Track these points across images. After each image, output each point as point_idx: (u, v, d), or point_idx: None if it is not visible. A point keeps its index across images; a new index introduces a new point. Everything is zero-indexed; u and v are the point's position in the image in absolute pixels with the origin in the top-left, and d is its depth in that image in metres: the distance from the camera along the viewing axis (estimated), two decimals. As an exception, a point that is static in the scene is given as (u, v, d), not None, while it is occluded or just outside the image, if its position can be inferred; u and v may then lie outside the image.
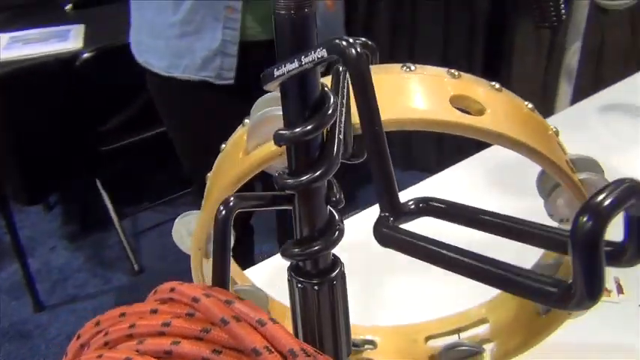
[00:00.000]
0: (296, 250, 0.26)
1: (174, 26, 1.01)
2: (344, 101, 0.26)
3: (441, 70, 0.34)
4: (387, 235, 0.20)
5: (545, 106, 1.37)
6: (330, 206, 0.26)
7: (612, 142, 0.84)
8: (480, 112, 0.32)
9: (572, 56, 1.35)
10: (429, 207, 0.21)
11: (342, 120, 0.25)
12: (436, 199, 0.22)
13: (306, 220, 0.26)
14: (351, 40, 0.20)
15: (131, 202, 2.24)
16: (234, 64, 1.03)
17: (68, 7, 2.12)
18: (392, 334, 0.50)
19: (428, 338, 0.49)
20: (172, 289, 0.23)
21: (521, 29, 1.79)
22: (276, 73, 0.22)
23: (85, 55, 1.64)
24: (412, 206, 0.22)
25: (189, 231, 0.38)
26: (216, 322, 0.21)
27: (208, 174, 0.40)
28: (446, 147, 1.92)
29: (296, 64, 0.21)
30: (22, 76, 1.58)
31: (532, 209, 0.37)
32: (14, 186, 1.72)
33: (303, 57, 0.20)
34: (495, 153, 0.81)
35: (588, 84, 1.46)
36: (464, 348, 0.46)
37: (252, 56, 1.04)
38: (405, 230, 0.20)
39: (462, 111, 0.32)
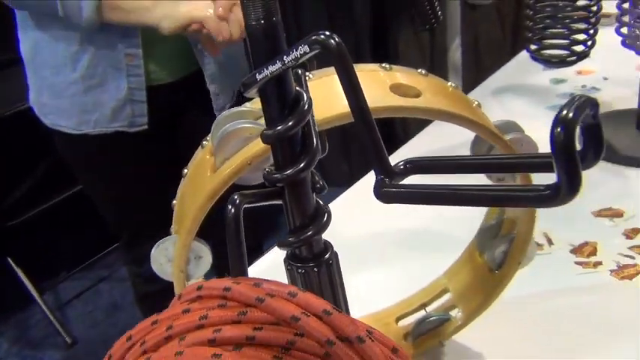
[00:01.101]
0: (291, 238, 0.29)
1: (77, 83, 1.00)
2: (309, 97, 0.29)
3: (375, 66, 0.38)
4: (388, 192, 0.24)
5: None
6: (315, 193, 0.29)
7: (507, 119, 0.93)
8: (417, 95, 0.37)
9: (455, 52, 1.47)
10: (416, 165, 0.25)
11: (314, 131, 0.28)
12: (420, 157, 0.25)
13: (297, 210, 0.29)
14: (328, 33, 0.23)
15: (46, 274, 2.13)
16: (145, 110, 1.03)
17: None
18: (365, 322, 0.53)
19: (398, 319, 0.53)
20: (199, 288, 0.24)
21: (402, 36, 1.91)
22: (259, 76, 0.25)
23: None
24: (402, 167, 0.25)
25: (169, 257, 0.39)
26: (251, 302, 0.23)
27: (174, 201, 0.41)
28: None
29: (278, 64, 0.24)
30: None
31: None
32: None
33: (284, 57, 0.23)
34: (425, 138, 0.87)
35: (472, 75, 1.58)
36: (432, 319, 0.50)
37: (161, 99, 1.05)
38: (402, 185, 0.24)
39: (403, 96, 0.36)
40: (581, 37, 0.79)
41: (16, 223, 1.76)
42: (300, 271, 0.29)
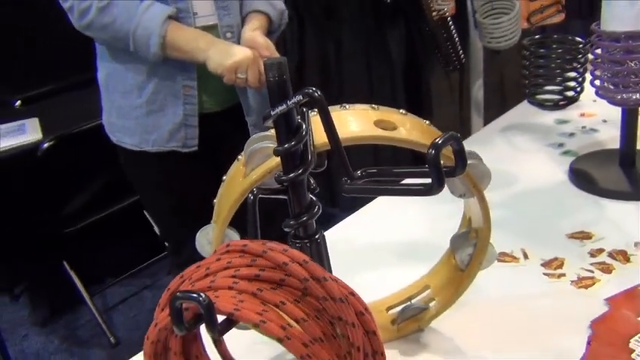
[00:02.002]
0: (292, 222, 0.43)
1: (141, 107, 1.17)
2: (310, 129, 0.43)
3: (366, 106, 0.52)
4: (349, 188, 0.37)
5: (464, 136, 1.60)
6: (310, 192, 0.43)
7: (511, 153, 1.05)
8: (394, 128, 0.50)
9: (477, 92, 1.59)
10: (367, 174, 0.38)
11: (311, 140, 0.42)
12: (371, 168, 0.39)
13: (296, 202, 0.42)
14: (314, 89, 0.37)
15: (96, 279, 2.31)
16: (196, 134, 1.19)
17: (17, 103, 2.25)
18: (361, 310, 0.65)
19: (388, 308, 0.65)
20: (228, 245, 0.38)
21: (434, 74, 2.04)
22: (272, 112, 0.38)
23: (46, 145, 1.76)
24: (359, 173, 0.38)
25: (209, 240, 0.53)
26: (259, 254, 0.36)
27: (214, 200, 0.55)
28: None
29: (284, 105, 0.37)
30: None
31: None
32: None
33: (288, 101, 0.37)
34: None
35: (495, 113, 1.70)
36: (414, 307, 0.63)
37: (211, 125, 1.21)
38: (357, 184, 0.37)
39: (383, 129, 0.50)
40: (572, 84, 0.90)
41: (73, 230, 1.94)
42: (298, 245, 0.43)
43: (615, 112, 1.11)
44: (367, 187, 0.37)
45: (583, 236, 0.77)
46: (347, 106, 0.51)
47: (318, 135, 0.44)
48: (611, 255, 0.72)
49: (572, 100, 0.89)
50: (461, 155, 0.36)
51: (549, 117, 1.17)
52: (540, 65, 0.87)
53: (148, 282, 2.34)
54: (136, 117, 1.18)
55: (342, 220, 0.90)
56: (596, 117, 1.14)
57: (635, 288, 0.66)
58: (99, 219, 1.99)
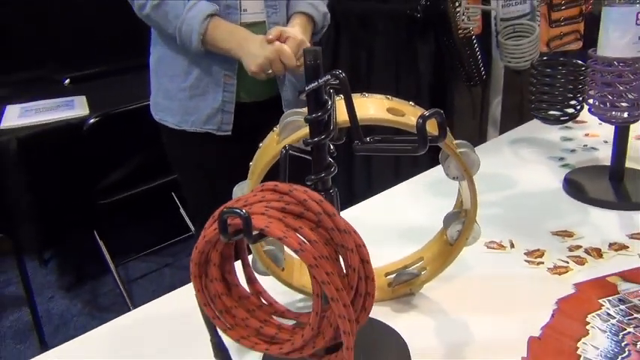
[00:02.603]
0: (313, 177, 0.54)
1: (185, 91, 1.30)
2: (334, 105, 0.54)
3: (382, 96, 0.63)
4: (360, 148, 0.48)
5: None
6: (329, 156, 0.54)
7: (515, 161, 1.15)
8: (403, 115, 0.61)
9: (496, 108, 1.69)
10: (374, 140, 0.49)
11: (334, 114, 0.54)
12: (377, 136, 0.50)
13: (318, 162, 0.54)
14: (340, 71, 0.48)
15: (121, 252, 2.45)
16: (231, 120, 1.32)
17: (67, 82, 2.41)
18: (363, 273, 0.77)
19: (387, 274, 0.76)
20: (262, 184, 0.49)
21: (458, 89, 2.15)
22: (307, 88, 0.50)
23: (91, 121, 1.90)
24: (368, 139, 0.49)
25: (243, 193, 0.64)
26: (286, 192, 0.47)
27: (250, 162, 0.67)
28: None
29: (316, 83, 0.49)
30: (40, 139, 1.84)
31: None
32: (27, 237, 1.92)
33: (319, 79, 0.49)
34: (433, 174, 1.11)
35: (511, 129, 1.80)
36: (408, 273, 0.74)
37: (248, 115, 1.34)
38: (366, 146, 0.48)
39: (393, 115, 0.61)
40: (572, 102, 1.01)
41: (106, 203, 2.07)
42: (322, 194, 0.54)
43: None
44: (372, 147, 0.48)
45: (565, 234, 0.87)
46: (366, 95, 0.63)
47: (341, 115, 0.56)
48: (586, 251, 0.82)
49: (572, 117, 0.99)
50: (442, 126, 0.47)
51: (556, 134, 1.27)
52: (545, 84, 0.98)
53: (169, 260, 2.47)
54: (180, 99, 1.31)
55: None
56: (598, 138, 1.24)
57: (602, 278, 0.76)
58: (130, 195, 2.12)
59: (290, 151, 0.53)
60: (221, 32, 1.21)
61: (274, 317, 0.54)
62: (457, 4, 1.34)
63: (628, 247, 0.82)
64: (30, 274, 2.42)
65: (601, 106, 0.86)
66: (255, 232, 0.45)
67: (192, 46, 1.22)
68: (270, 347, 0.51)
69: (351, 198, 1.08)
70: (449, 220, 0.72)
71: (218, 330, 0.54)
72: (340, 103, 0.57)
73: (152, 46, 1.35)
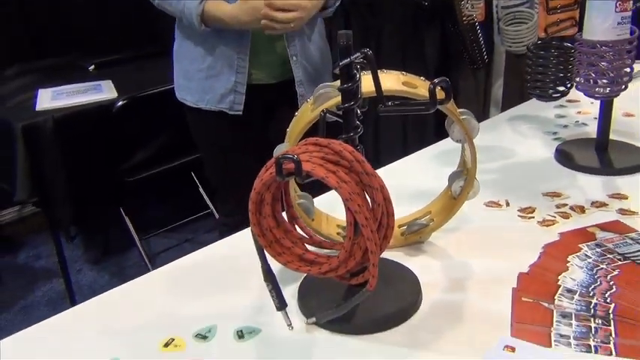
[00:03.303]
0: (344, 136, 0.67)
1: (202, 72, 1.44)
2: (360, 79, 0.67)
3: (398, 72, 0.77)
4: (383, 110, 0.62)
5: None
6: (356, 119, 0.68)
7: (512, 136, 1.28)
8: (415, 87, 0.75)
9: (498, 90, 1.82)
10: (394, 104, 0.62)
11: (360, 86, 0.67)
12: (397, 100, 0.63)
13: (348, 124, 0.67)
14: (368, 49, 0.62)
15: (142, 228, 2.59)
16: (242, 100, 1.45)
17: (91, 67, 2.55)
18: (380, 224, 0.90)
19: (400, 226, 0.90)
20: (305, 140, 0.63)
21: (463, 73, 2.27)
22: (340, 63, 0.63)
23: (120, 103, 2.04)
24: (389, 103, 0.63)
25: (282, 153, 0.78)
26: (325, 145, 0.61)
27: (287, 129, 0.80)
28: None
29: (348, 59, 0.62)
30: (74, 119, 1.98)
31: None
32: (60, 213, 2.06)
33: (350, 56, 0.62)
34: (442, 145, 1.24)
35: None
36: (418, 223, 0.87)
37: (261, 96, 1.47)
38: (387, 108, 0.62)
39: (407, 87, 0.74)
40: (564, 80, 1.13)
41: (132, 181, 2.22)
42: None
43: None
44: (393, 109, 0.61)
45: (554, 195, 1.00)
46: (385, 71, 0.76)
47: (365, 87, 0.69)
48: (571, 208, 0.96)
49: (564, 94, 1.12)
50: (447, 90, 0.60)
51: (551, 112, 1.40)
52: (540, 64, 1.10)
53: (188, 236, 2.62)
54: (198, 79, 1.45)
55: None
56: (589, 115, 1.37)
57: (583, 228, 0.89)
58: (154, 174, 2.26)
59: (331, 115, 0.67)
60: (216, 9, 1.34)
61: (315, 248, 0.68)
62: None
63: (607, 205, 0.96)
64: (60, 249, 2.58)
65: (586, 83, 0.98)
66: (304, 174, 0.58)
67: (196, 27, 1.36)
68: (312, 268, 0.65)
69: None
70: (453, 177, 0.85)
71: (267, 257, 0.67)
72: (364, 77, 0.70)
73: (175, 32, 1.49)
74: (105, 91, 2.14)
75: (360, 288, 0.66)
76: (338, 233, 0.87)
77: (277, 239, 0.66)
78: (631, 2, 0.92)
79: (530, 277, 0.78)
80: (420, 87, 0.75)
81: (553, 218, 0.93)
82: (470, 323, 0.71)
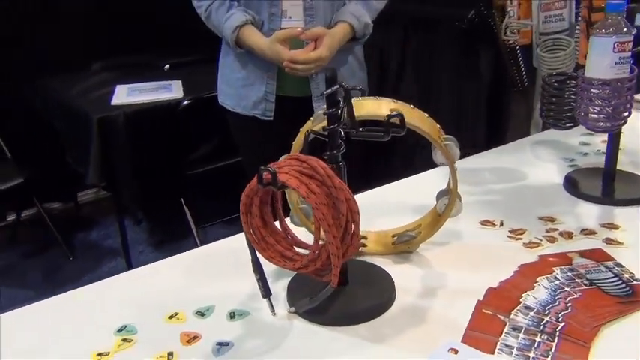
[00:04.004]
0: (328, 153, 0.78)
1: (239, 80, 1.61)
2: (344, 104, 0.78)
3: (390, 100, 0.86)
4: (354, 135, 0.73)
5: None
6: (339, 139, 0.78)
7: (529, 159, 1.34)
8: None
9: (538, 113, 1.85)
10: (366, 128, 0.73)
11: (345, 110, 0.78)
12: (369, 127, 0.73)
13: (332, 142, 0.78)
14: (345, 82, 0.72)
15: (199, 218, 2.77)
16: (272, 108, 1.61)
17: (166, 67, 2.76)
18: (375, 234, 1.00)
19: (394, 235, 0.99)
20: (289, 156, 0.74)
21: (515, 96, 2.31)
22: (324, 93, 0.74)
23: (185, 102, 2.23)
24: (361, 129, 0.73)
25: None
26: (304, 160, 0.72)
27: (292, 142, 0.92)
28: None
29: (330, 90, 0.73)
30: (143, 115, 2.18)
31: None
32: (127, 198, 2.28)
33: (332, 88, 0.73)
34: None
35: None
36: (407, 234, 0.97)
37: (285, 105, 1.61)
38: (359, 133, 0.73)
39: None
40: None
41: (193, 174, 2.40)
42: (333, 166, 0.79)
43: (629, 143, 1.36)
44: (360, 134, 0.72)
45: (548, 219, 1.06)
46: (378, 98, 0.86)
47: (358, 109, 0.80)
48: (560, 233, 1.02)
49: (576, 123, 1.17)
50: (402, 122, 0.70)
51: (576, 140, 1.44)
52: (553, 95, 1.16)
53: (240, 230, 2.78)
54: (235, 87, 1.62)
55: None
56: (614, 145, 1.40)
57: (562, 253, 0.95)
58: (212, 169, 2.44)
59: (315, 135, 0.78)
60: (246, 42, 1.54)
61: (294, 247, 0.80)
62: (502, 19, 1.53)
63: (596, 233, 1.01)
64: (126, 232, 2.82)
65: (585, 116, 1.04)
66: (279, 184, 0.70)
67: (233, 48, 1.52)
68: (287, 263, 0.77)
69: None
70: (439, 195, 0.94)
71: (256, 252, 0.80)
72: (356, 102, 0.81)
73: (222, 45, 1.67)
74: (173, 91, 2.34)
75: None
76: (334, 237, 0.98)
77: (263, 237, 0.78)
78: (630, 44, 0.97)
79: (496, 292, 0.86)
80: (406, 114, 0.84)
81: (539, 241, 0.99)
82: (430, 326, 0.80)
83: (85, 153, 2.13)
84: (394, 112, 0.70)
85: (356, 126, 0.73)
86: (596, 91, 1.01)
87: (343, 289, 0.85)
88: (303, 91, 1.62)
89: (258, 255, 0.81)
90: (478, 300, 0.84)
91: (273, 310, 0.83)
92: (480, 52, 2.31)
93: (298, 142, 0.89)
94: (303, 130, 0.90)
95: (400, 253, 0.98)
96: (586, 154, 1.36)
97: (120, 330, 0.83)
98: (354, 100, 0.85)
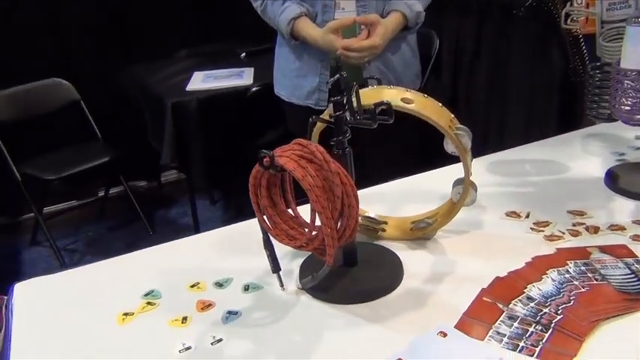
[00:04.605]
0: (334, 139, 0.82)
1: (294, 71, 1.67)
2: (350, 93, 0.81)
3: (403, 89, 0.89)
4: (352, 121, 0.76)
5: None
6: (345, 125, 0.82)
7: (576, 153, 1.30)
8: (411, 103, 0.87)
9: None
10: (363, 116, 0.76)
11: (350, 99, 0.81)
12: (365, 114, 0.76)
13: (338, 128, 0.82)
14: (344, 72, 0.76)
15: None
16: (326, 98, 1.65)
17: (242, 55, 2.87)
18: (395, 220, 1.03)
19: (411, 222, 1.02)
20: (293, 141, 0.79)
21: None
22: (329, 81, 0.78)
23: (254, 89, 2.32)
24: (358, 117, 0.77)
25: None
26: (305, 145, 0.76)
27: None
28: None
29: (334, 78, 0.77)
30: (214, 101, 2.30)
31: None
32: (200, 179, 2.41)
33: (337, 75, 0.77)
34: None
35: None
36: (423, 222, 0.99)
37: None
38: (356, 120, 0.76)
39: (403, 102, 0.87)
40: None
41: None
42: (335, 153, 0.83)
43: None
44: (356, 121, 0.75)
45: (578, 213, 1.04)
46: (391, 87, 0.89)
47: (371, 98, 0.83)
48: (587, 227, 0.99)
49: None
50: (390, 112, 0.72)
51: (632, 133, 1.38)
52: (596, 86, 1.13)
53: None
54: (290, 77, 1.68)
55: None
56: (672, 139, 1.33)
57: (583, 247, 0.94)
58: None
59: (319, 121, 0.82)
60: (300, 34, 1.58)
61: (299, 227, 0.85)
62: (563, 6, 1.48)
63: (625, 229, 0.98)
64: (202, 210, 2.99)
65: (620, 108, 1.01)
66: (278, 167, 0.75)
67: (287, 40, 1.57)
68: (290, 242, 0.82)
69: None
70: (454, 184, 0.95)
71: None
72: (363, 92, 0.85)
73: (278, 37, 1.73)
74: (244, 78, 2.44)
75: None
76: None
77: (270, 216, 0.84)
78: (667, 33, 0.93)
79: (502, 282, 0.87)
80: (416, 103, 0.87)
81: (562, 234, 0.98)
82: (429, 310, 0.83)
83: (161, 135, 2.28)
84: (380, 102, 0.73)
85: (353, 113, 0.77)
86: (631, 82, 0.97)
87: (351, 269, 0.90)
88: (355, 80, 1.66)
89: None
90: (482, 288, 0.86)
91: (282, 285, 0.88)
92: (546, 40, 2.23)
93: (319, 127, 0.93)
94: (324, 115, 0.94)
95: (417, 240, 1.00)
96: (638, 148, 1.30)
97: (146, 294, 0.92)
98: (369, 89, 0.88)
